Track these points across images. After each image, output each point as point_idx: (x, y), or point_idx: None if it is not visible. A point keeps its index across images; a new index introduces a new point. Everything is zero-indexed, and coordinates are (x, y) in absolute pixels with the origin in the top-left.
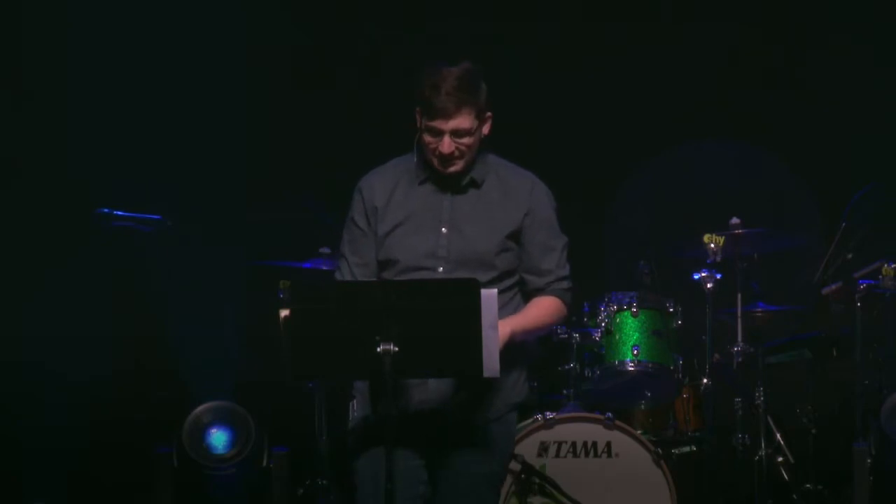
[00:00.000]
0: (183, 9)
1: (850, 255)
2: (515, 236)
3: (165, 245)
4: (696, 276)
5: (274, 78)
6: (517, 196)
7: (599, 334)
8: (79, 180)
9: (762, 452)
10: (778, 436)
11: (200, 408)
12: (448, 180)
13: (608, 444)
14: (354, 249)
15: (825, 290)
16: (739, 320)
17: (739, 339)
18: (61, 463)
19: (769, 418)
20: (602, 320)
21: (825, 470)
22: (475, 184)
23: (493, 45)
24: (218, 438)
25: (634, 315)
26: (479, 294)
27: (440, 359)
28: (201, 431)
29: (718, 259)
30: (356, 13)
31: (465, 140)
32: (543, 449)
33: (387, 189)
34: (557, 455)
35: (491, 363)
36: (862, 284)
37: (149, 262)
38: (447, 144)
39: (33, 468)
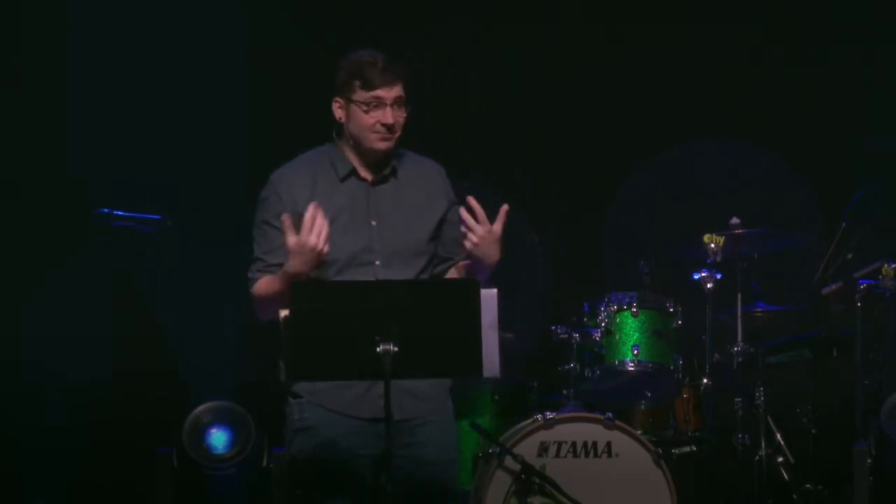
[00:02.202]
0: (183, 9)
1: (850, 255)
2: (440, 223)
3: (165, 245)
4: (696, 276)
5: (274, 78)
6: (434, 183)
7: (599, 334)
8: (79, 180)
9: (762, 452)
10: (778, 436)
11: (200, 408)
12: (371, 172)
13: (608, 444)
14: (273, 251)
15: (825, 290)
16: (739, 320)
17: (739, 339)
18: (61, 463)
19: (769, 418)
20: (602, 320)
21: (825, 470)
22: (395, 173)
23: (493, 45)
24: (218, 438)
25: (634, 315)
26: (479, 294)
27: (440, 359)
28: (201, 431)
29: (718, 259)
30: (356, 13)
31: (402, 113)
32: (543, 449)
33: (306, 188)
34: (557, 455)
35: (491, 363)
36: (862, 284)
37: (149, 262)
38: (391, 114)
39: (33, 468)
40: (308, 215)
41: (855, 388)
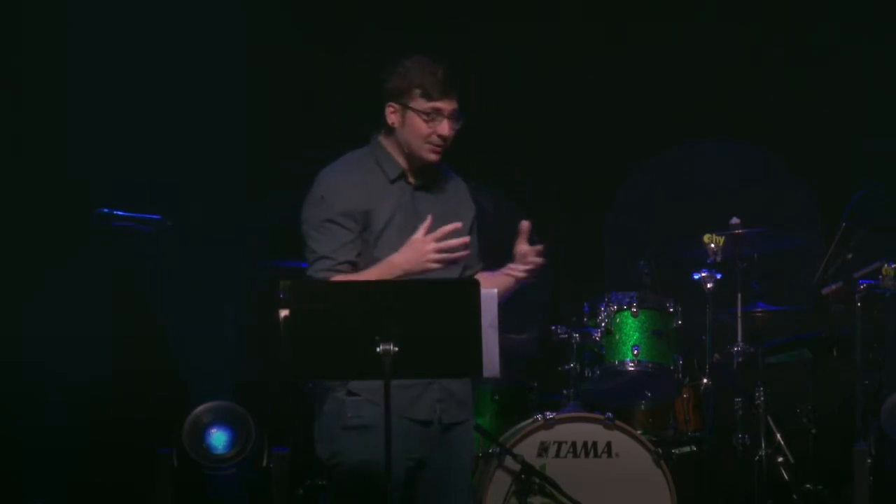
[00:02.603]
0: (183, 9)
1: (850, 255)
2: (469, 232)
3: (165, 245)
4: (696, 276)
5: (274, 78)
6: (462, 192)
7: (599, 334)
8: (79, 180)
9: (762, 452)
10: (778, 436)
11: (200, 408)
12: (421, 176)
13: (608, 444)
14: (341, 249)
15: (825, 290)
16: (739, 320)
17: (739, 339)
18: (61, 463)
19: (769, 418)
20: (602, 320)
21: (825, 470)
22: (434, 179)
23: (493, 45)
24: (218, 438)
25: (634, 315)
26: (479, 294)
27: (440, 359)
28: (201, 431)
29: (718, 259)
30: (356, 13)
31: (457, 125)
32: (543, 449)
33: (360, 188)
34: (557, 455)
35: (491, 363)
36: (862, 284)
37: (149, 262)
38: (448, 126)
39: (33, 468)
40: (450, 227)
41: (855, 388)
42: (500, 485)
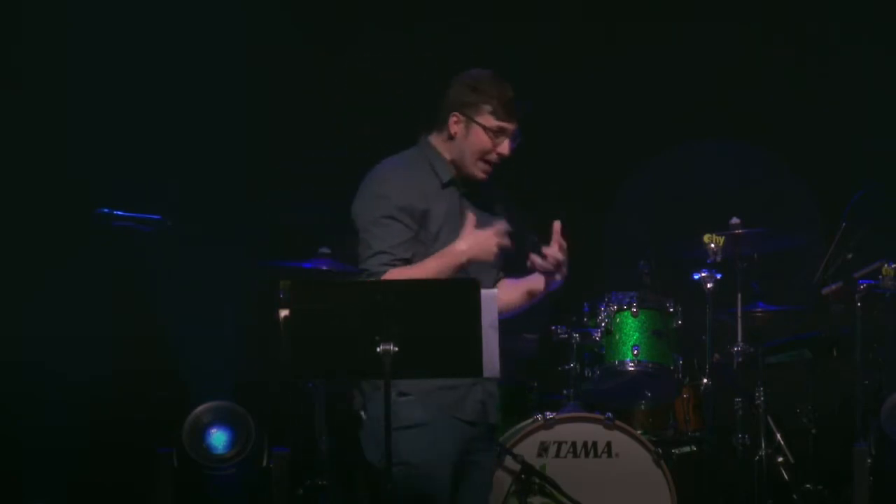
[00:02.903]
0: (183, 9)
1: (850, 255)
2: None
3: (165, 245)
4: (696, 276)
5: (274, 78)
6: (498, 201)
7: (599, 334)
8: (79, 180)
9: (762, 452)
10: (778, 436)
11: (200, 408)
12: (467, 184)
13: (608, 444)
14: (401, 245)
15: (825, 290)
16: (739, 320)
17: (739, 339)
18: (61, 463)
19: (769, 418)
20: (602, 320)
21: (825, 470)
22: (478, 189)
23: (493, 45)
24: (218, 438)
25: (634, 315)
26: (479, 294)
27: (440, 359)
28: (201, 431)
29: (718, 259)
30: (356, 13)
31: (514, 147)
32: (543, 449)
33: (418, 188)
34: (557, 455)
35: (491, 363)
36: (862, 284)
37: (149, 262)
38: (508, 146)
39: (33, 468)
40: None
41: (855, 388)
42: (500, 485)
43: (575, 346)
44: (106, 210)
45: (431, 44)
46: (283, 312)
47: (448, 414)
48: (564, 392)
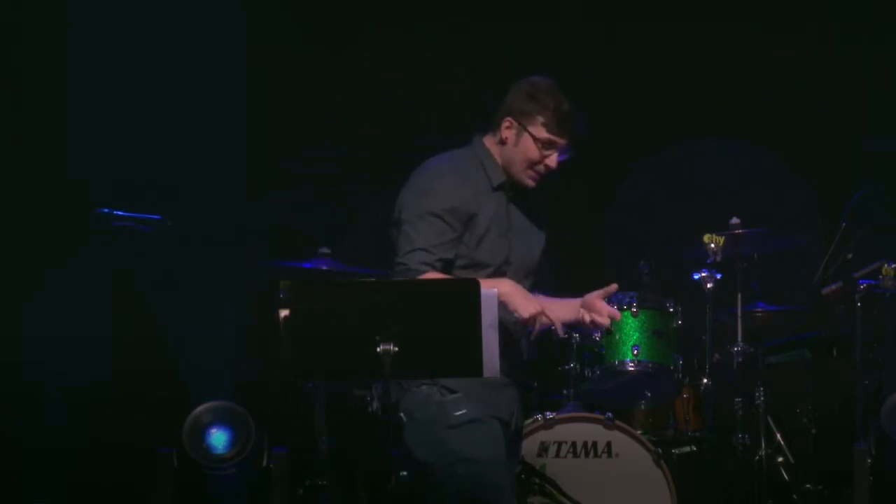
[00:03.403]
0: (183, 9)
1: (850, 255)
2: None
3: (165, 245)
4: (696, 276)
5: (274, 78)
6: (540, 210)
7: (599, 334)
8: (79, 180)
9: (762, 452)
10: (778, 436)
11: (200, 408)
12: (515, 189)
13: (608, 444)
14: (442, 245)
15: (825, 290)
16: (739, 320)
17: (739, 339)
18: (61, 463)
19: (769, 418)
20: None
21: (825, 470)
22: (523, 196)
23: (493, 45)
24: (218, 438)
25: (634, 315)
26: (479, 294)
27: (440, 359)
28: (201, 431)
29: (718, 259)
30: (356, 13)
31: (563, 160)
32: (543, 449)
33: (468, 189)
34: (557, 455)
35: (491, 363)
36: (862, 284)
37: (149, 262)
38: (557, 160)
39: (33, 468)
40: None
41: (855, 388)
42: None
43: (575, 346)
44: (106, 210)
45: (431, 44)
46: (283, 312)
47: (491, 413)
48: (564, 392)
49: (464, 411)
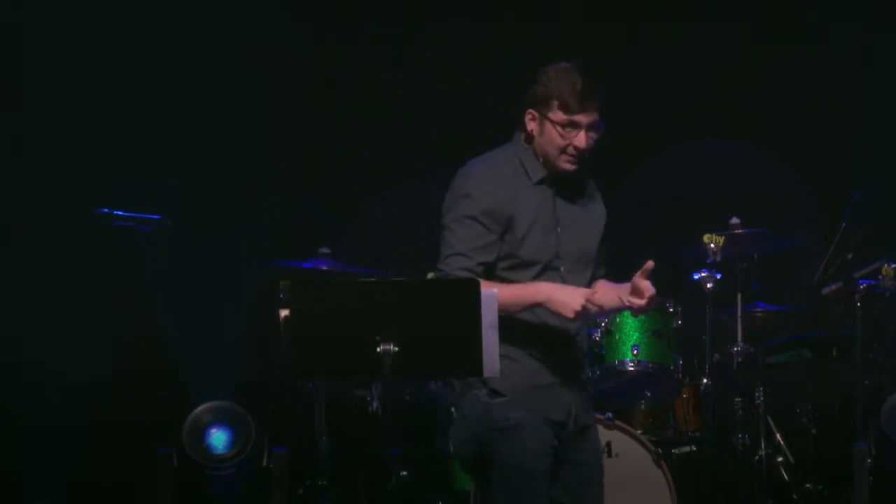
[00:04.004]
0: (183, 9)
1: (850, 255)
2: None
3: (165, 245)
4: (696, 276)
5: (274, 78)
6: (597, 196)
7: (599, 334)
8: (79, 180)
9: (762, 452)
10: (778, 436)
11: (200, 408)
12: (559, 180)
13: (608, 444)
14: (480, 249)
15: (825, 290)
16: (739, 320)
17: (739, 339)
18: (61, 463)
19: (769, 418)
20: (602, 320)
21: (825, 470)
22: (570, 183)
23: (493, 45)
24: (218, 438)
25: (634, 315)
26: (479, 294)
27: (440, 359)
28: (201, 431)
29: (718, 259)
30: (356, 13)
31: (595, 136)
32: None
33: (507, 189)
34: None
35: (491, 363)
36: (862, 284)
37: (149, 262)
38: (584, 139)
39: (33, 468)
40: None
41: (855, 388)
42: None
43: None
44: (106, 210)
45: (431, 44)
46: (283, 312)
47: (539, 414)
48: None
49: (507, 416)
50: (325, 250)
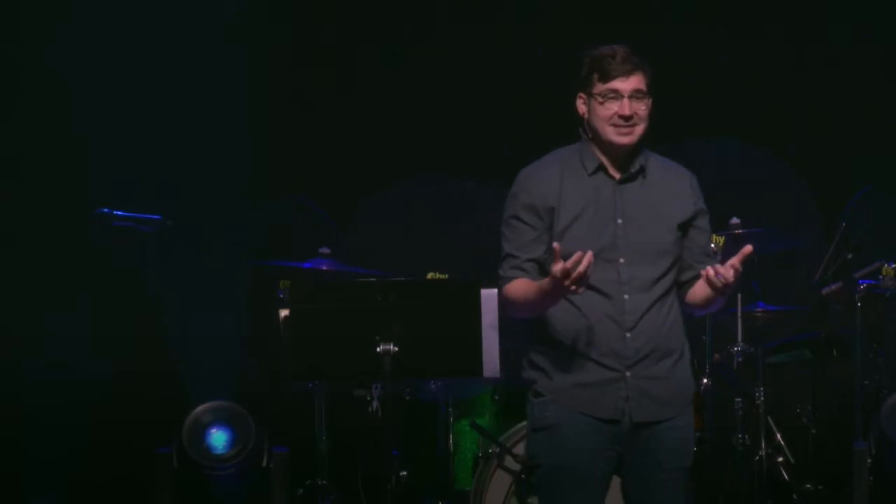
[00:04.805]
0: (183, 9)
1: (850, 255)
2: (684, 227)
3: (165, 245)
4: None
5: (274, 78)
6: (681, 186)
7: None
8: (79, 180)
9: (762, 452)
10: (778, 436)
11: (200, 408)
12: (619, 169)
13: None
14: (524, 247)
15: (825, 290)
16: (739, 320)
17: (739, 339)
18: (61, 463)
19: (769, 418)
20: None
21: (825, 470)
22: (642, 172)
23: (493, 45)
24: (218, 438)
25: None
26: (479, 294)
27: (440, 359)
28: (201, 431)
29: (719, 259)
30: (356, 13)
31: (642, 104)
32: None
33: (553, 182)
34: None
35: (491, 363)
36: (862, 284)
37: (149, 262)
38: (628, 105)
39: (33, 468)
40: (575, 256)
41: (855, 388)
42: (500, 485)
43: None
44: (106, 210)
45: (431, 44)
46: (283, 312)
47: (582, 412)
48: None
49: (545, 415)
50: (325, 250)
